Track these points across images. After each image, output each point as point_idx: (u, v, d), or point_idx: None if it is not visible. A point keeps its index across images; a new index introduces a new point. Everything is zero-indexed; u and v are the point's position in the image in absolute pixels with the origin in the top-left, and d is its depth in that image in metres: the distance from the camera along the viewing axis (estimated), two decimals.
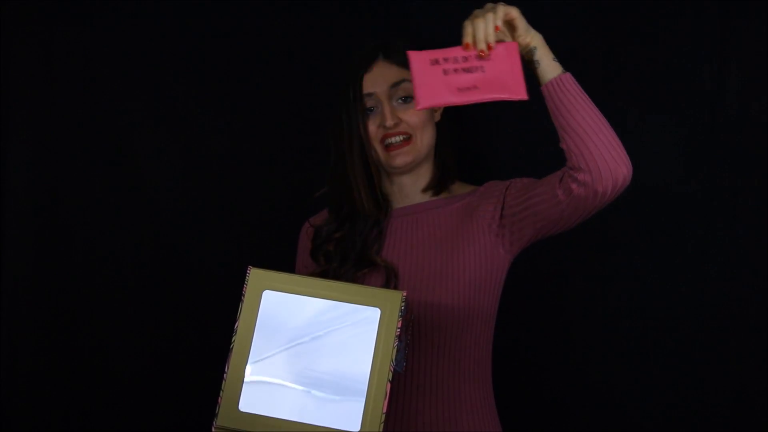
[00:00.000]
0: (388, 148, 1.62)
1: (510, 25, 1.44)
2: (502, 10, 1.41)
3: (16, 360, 2.03)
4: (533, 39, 1.45)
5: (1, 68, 2.01)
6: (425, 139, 1.64)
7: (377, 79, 1.62)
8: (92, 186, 2.05)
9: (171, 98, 2.06)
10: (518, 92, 1.40)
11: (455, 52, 1.41)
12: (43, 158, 2.04)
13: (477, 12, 1.43)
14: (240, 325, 1.32)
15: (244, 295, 1.33)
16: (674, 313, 1.93)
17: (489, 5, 1.43)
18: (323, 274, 1.65)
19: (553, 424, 2.01)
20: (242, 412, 1.28)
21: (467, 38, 1.40)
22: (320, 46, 2.03)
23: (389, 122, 1.60)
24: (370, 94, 1.62)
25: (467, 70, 1.40)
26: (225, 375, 1.30)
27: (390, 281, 1.58)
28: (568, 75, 1.45)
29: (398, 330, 1.27)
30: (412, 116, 1.61)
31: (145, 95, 2.06)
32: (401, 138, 1.62)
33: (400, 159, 1.62)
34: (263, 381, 1.30)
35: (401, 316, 1.27)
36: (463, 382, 1.58)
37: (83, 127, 2.05)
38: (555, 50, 1.91)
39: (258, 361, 1.30)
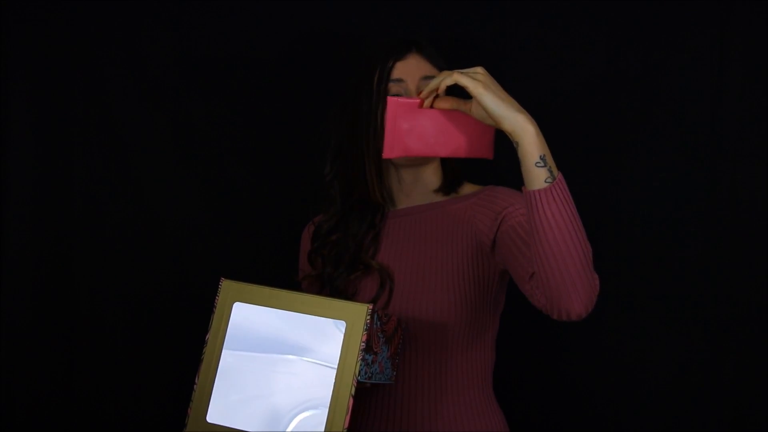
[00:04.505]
0: None
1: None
2: (435, 84, 1.40)
3: (16, 361, 2.04)
4: (515, 131, 1.30)
5: (1, 68, 2.02)
6: None
7: (410, 69, 1.56)
8: (92, 186, 2.07)
9: (171, 99, 2.07)
10: (486, 153, 1.49)
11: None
12: (43, 158, 2.06)
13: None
14: (210, 336, 1.33)
15: (215, 307, 1.34)
16: (675, 313, 1.93)
17: (453, 72, 1.36)
18: (318, 278, 1.65)
19: (559, 424, 2.02)
20: (210, 423, 1.29)
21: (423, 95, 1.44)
22: (322, 48, 2.04)
23: None
24: (399, 80, 1.55)
25: (435, 127, 1.47)
26: (195, 386, 1.32)
27: (385, 285, 1.57)
28: (552, 189, 1.27)
29: (363, 343, 1.27)
30: None
31: (145, 95, 2.07)
32: None
33: None
34: (231, 393, 1.31)
35: (366, 329, 1.27)
36: (464, 383, 1.57)
37: (83, 127, 2.06)
38: (556, 50, 1.91)
39: (226, 373, 1.32)
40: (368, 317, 1.27)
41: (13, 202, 2.04)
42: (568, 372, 2.01)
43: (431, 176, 1.67)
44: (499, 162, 1.93)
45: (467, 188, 1.67)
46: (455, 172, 1.69)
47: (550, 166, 1.28)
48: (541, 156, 1.28)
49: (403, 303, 1.55)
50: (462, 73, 1.34)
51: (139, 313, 2.09)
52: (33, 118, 2.05)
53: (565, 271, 1.28)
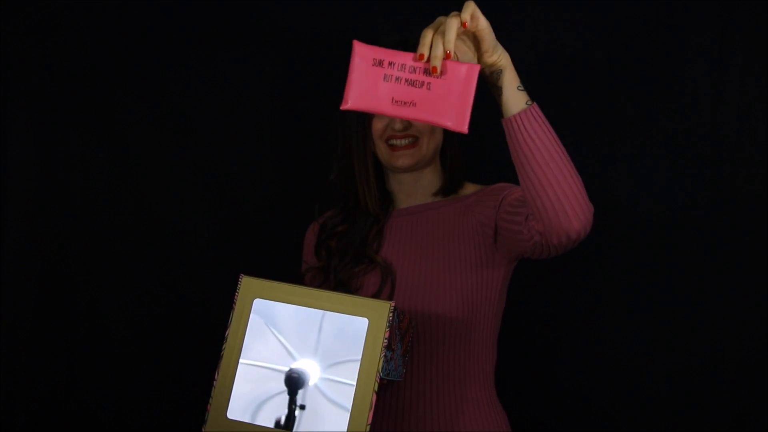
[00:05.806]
0: (392, 148, 1.60)
1: (476, 37, 1.28)
2: (469, 13, 1.24)
3: (16, 361, 2.04)
4: (500, 59, 1.30)
5: (1, 68, 2.01)
6: (431, 144, 1.62)
7: None
8: (92, 186, 2.07)
9: (171, 98, 2.07)
10: (459, 123, 1.23)
11: (405, 58, 1.25)
12: (43, 158, 2.05)
13: (440, 19, 1.26)
14: (230, 332, 1.33)
15: (235, 303, 1.34)
16: (675, 313, 1.94)
17: (455, 13, 1.25)
18: (322, 270, 1.66)
19: (559, 424, 2.03)
20: (230, 419, 1.29)
21: (422, 49, 1.24)
22: (325, 48, 2.03)
23: (398, 125, 1.57)
24: None
25: (410, 83, 1.25)
26: (214, 382, 1.31)
27: (386, 280, 1.58)
28: (532, 110, 1.29)
29: (385, 340, 1.27)
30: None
31: (146, 95, 2.07)
32: (407, 141, 1.59)
33: (403, 160, 1.60)
34: (251, 389, 1.30)
35: (389, 326, 1.27)
36: (466, 382, 1.57)
37: (83, 127, 2.06)
38: (555, 52, 1.91)
39: (247, 369, 1.31)
40: (390, 314, 1.28)
41: (13, 202, 2.03)
42: (568, 372, 2.02)
43: (431, 178, 1.68)
44: (500, 162, 1.96)
45: (468, 188, 1.68)
46: (456, 172, 1.69)
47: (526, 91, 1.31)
48: (519, 81, 1.31)
49: (406, 301, 1.55)
50: (466, 9, 1.26)
51: (139, 313, 2.08)
52: (33, 118, 2.05)
53: (557, 187, 1.29)
